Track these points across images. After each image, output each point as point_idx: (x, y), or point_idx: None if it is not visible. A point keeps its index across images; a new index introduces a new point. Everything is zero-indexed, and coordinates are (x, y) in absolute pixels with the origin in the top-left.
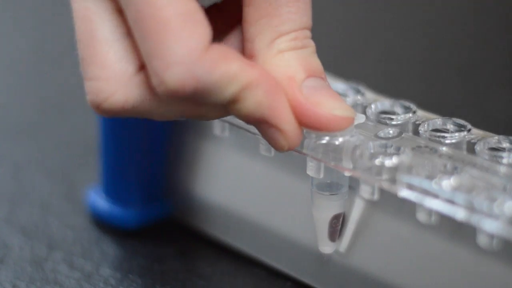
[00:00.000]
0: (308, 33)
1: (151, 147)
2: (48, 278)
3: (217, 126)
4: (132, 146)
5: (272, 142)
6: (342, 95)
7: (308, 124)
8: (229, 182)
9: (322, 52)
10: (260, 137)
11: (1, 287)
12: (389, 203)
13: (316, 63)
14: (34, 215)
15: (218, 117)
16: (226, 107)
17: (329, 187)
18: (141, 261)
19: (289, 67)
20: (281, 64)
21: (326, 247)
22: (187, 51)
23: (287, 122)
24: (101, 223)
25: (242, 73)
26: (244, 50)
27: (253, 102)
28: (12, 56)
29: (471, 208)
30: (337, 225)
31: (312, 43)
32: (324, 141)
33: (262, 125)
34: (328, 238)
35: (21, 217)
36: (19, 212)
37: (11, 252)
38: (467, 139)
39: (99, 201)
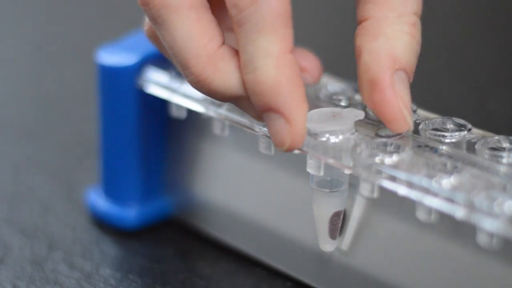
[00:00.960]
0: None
1: (151, 147)
2: (48, 278)
3: (217, 126)
4: (132, 146)
5: (276, 137)
6: (342, 95)
7: (377, 107)
8: (229, 182)
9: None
10: (260, 135)
11: (1, 287)
12: (388, 202)
13: (415, 59)
14: (34, 215)
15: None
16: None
17: (329, 184)
18: (141, 261)
19: (398, 48)
20: (396, 42)
21: (327, 245)
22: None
23: (297, 115)
24: (101, 223)
25: (270, 48)
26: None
27: (271, 76)
28: (12, 56)
29: (471, 207)
30: (337, 223)
31: (416, 30)
32: (324, 139)
33: (270, 112)
34: (329, 235)
35: (21, 217)
36: (19, 212)
37: (11, 252)
38: (467, 139)
39: (99, 201)
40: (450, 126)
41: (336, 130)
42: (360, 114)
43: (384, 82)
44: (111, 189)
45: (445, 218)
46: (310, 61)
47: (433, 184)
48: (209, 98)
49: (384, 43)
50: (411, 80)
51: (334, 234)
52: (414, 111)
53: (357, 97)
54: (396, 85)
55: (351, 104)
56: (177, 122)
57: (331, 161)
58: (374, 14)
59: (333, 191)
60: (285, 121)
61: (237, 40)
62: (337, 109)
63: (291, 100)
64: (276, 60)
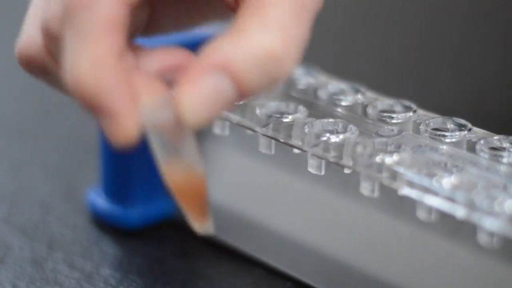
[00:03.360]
0: None
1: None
2: (48, 278)
3: (217, 125)
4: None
5: (108, 134)
6: (342, 95)
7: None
8: (229, 181)
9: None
10: (260, 135)
11: (1, 287)
12: (389, 201)
13: None
14: (34, 215)
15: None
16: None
17: None
18: (141, 261)
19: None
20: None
21: None
22: None
23: (120, 114)
24: (101, 223)
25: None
26: None
27: (87, 78)
28: (12, 56)
29: (471, 206)
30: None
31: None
32: (325, 138)
33: (95, 111)
34: None
35: (21, 217)
36: (19, 212)
37: (11, 252)
38: (468, 138)
39: (99, 201)
40: (450, 126)
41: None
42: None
43: (193, 66)
44: (111, 189)
45: (445, 218)
46: (175, 58)
47: (434, 184)
48: None
49: (229, 43)
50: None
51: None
52: (415, 111)
53: (358, 97)
54: (205, 78)
55: (351, 105)
56: None
57: (331, 160)
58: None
59: None
60: (110, 120)
61: (61, 35)
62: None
63: (111, 100)
64: (96, 62)
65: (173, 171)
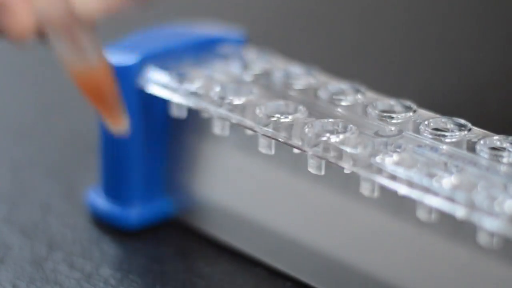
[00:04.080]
0: None
1: (151, 147)
2: (48, 278)
3: (217, 126)
4: (132, 146)
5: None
6: (342, 95)
7: None
8: (229, 182)
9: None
10: (260, 135)
11: (1, 287)
12: (389, 201)
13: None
14: (34, 215)
15: None
16: None
17: None
18: (141, 261)
19: None
20: None
21: None
22: None
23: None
24: (101, 223)
25: None
26: None
27: None
28: (12, 56)
29: (471, 206)
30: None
31: None
32: (324, 138)
33: None
34: None
35: (21, 217)
36: (19, 212)
37: (11, 252)
38: (468, 138)
39: (99, 201)
40: (450, 125)
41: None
42: None
43: None
44: (111, 189)
45: (445, 218)
46: None
47: (434, 184)
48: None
49: None
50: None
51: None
52: (415, 111)
53: (358, 97)
54: None
55: (351, 105)
56: (178, 122)
57: (331, 160)
58: None
59: None
60: (6, 14)
61: None
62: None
63: None
64: None
65: (75, 66)
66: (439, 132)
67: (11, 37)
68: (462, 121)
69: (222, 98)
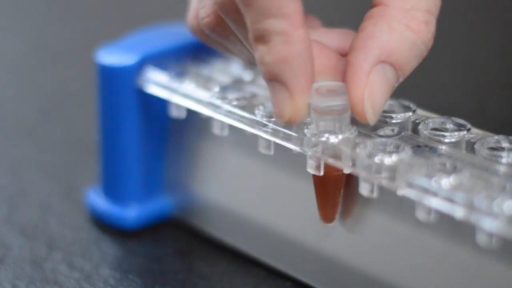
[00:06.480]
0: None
1: (151, 147)
2: (48, 278)
3: (217, 126)
4: (131, 146)
5: (278, 107)
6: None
7: (346, 87)
8: (229, 182)
9: None
10: (259, 135)
11: (1, 287)
12: (388, 201)
13: (413, 58)
14: (33, 215)
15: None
16: (254, 45)
17: None
18: (140, 261)
19: (395, 42)
20: (395, 35)
21: None
22: None
23: (301, 90)
24: (101, 223)
25: (287, 19)
26: None
27: (280, 51)
28: (12, 56)
29: (470, 206)
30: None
31: (425, 29)
32: (324, 139)
33: (276, 82)
34: None
35: (20, 217)
36: (19, 212)
37: (11, 252)
38: (467, 139)
39: (99, 201)
40: (449, 126)
41: (339, 105)
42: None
43: (358, 66)
44: (111, 189)
45: (444, 218)
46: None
47: (433, 184)
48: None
49: (382, 33)
50: (401, 79)
51: None
52: (414, 111)
53: None
54: (373, 75)
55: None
56: (177, 122)
57: (330, 161)
58: (386, 1)
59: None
60: (288, 94)
61: (245, 18)
62: (329, 84)
63: (297, 75)
64: (286, 36)
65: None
66: (438, 132)
67: (282, 115)
68: (461, 121)
69: (222, 98)
